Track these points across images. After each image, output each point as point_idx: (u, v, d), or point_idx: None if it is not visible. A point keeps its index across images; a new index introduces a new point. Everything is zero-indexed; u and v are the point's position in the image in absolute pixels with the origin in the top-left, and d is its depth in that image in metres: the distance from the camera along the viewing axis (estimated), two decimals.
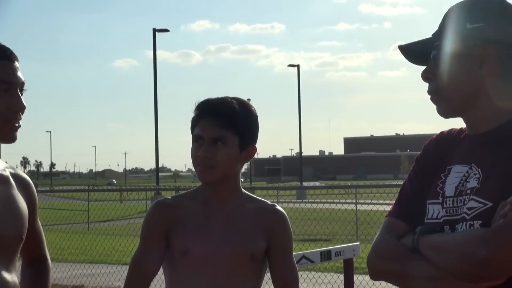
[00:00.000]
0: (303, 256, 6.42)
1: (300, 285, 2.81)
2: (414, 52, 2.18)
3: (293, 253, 2.83)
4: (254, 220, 2.74)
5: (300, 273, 2.94)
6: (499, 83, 2.04)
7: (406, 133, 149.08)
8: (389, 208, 2.26)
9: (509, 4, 2.08)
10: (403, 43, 2.20)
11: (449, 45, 2.06)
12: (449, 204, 2.03)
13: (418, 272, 1.95)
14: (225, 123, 2.66)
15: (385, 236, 2.12)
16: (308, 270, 12.36)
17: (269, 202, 2.84)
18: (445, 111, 2.11)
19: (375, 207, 25.15)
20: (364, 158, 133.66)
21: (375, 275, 2.13)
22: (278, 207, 2.82)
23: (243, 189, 2.81)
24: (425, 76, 2.13)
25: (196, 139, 2.69)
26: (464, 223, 1.95)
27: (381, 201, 25.76)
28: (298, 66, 51.37)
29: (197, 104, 2.74)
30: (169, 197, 2.82)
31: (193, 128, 2.73)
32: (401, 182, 2.14)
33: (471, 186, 1.99)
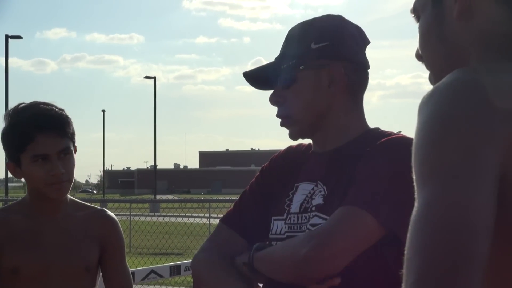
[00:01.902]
0: (152, 271, 6.35)
1: None
2: (260, 78, 2.13)
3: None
4: (85, 229, 2.64)
5: None
6: (347, 100, 2.05)
7: (261, 148, 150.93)
8: None
9: (348, 22, 2.10)
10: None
11: (296, 66, 2.04)
12: (293, 220, 2.04)
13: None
14: (64, 132, 2.54)
15: (212, 243, 2.15)
16: (158, 285, 12.25)
17: (98, 207, 2.75)
18: (297, 134, 2.09)
19: None
20: (219, 172, 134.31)
21: (196, 284, 2.13)
22: (108, 211, 2.74)
23: (68, 196, 2.66)
24: (274, 100, 2.09)
25: (40, 157, 2.49)
26: None
27: None
28: (154, 78, 51.04)
29: (22, 117, 2.53)
30: None
31: (22, 145, 2.51)
32: None
33: (316, 203, 2.00)
